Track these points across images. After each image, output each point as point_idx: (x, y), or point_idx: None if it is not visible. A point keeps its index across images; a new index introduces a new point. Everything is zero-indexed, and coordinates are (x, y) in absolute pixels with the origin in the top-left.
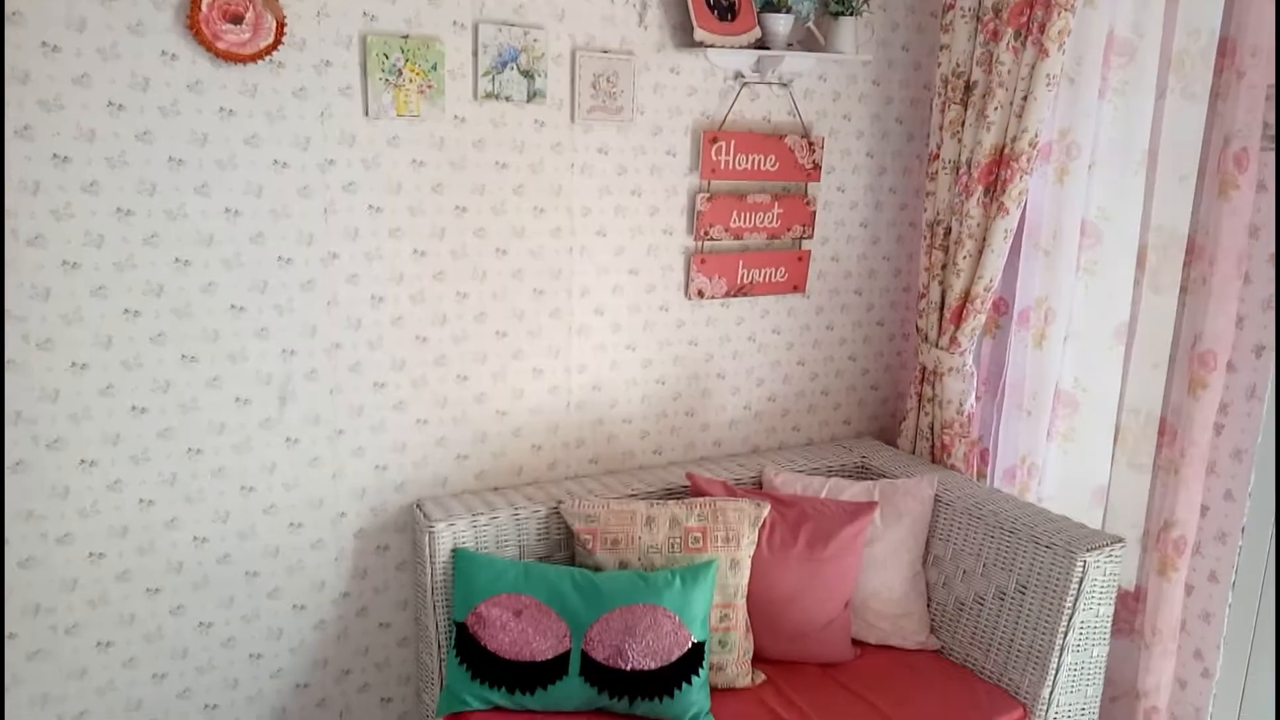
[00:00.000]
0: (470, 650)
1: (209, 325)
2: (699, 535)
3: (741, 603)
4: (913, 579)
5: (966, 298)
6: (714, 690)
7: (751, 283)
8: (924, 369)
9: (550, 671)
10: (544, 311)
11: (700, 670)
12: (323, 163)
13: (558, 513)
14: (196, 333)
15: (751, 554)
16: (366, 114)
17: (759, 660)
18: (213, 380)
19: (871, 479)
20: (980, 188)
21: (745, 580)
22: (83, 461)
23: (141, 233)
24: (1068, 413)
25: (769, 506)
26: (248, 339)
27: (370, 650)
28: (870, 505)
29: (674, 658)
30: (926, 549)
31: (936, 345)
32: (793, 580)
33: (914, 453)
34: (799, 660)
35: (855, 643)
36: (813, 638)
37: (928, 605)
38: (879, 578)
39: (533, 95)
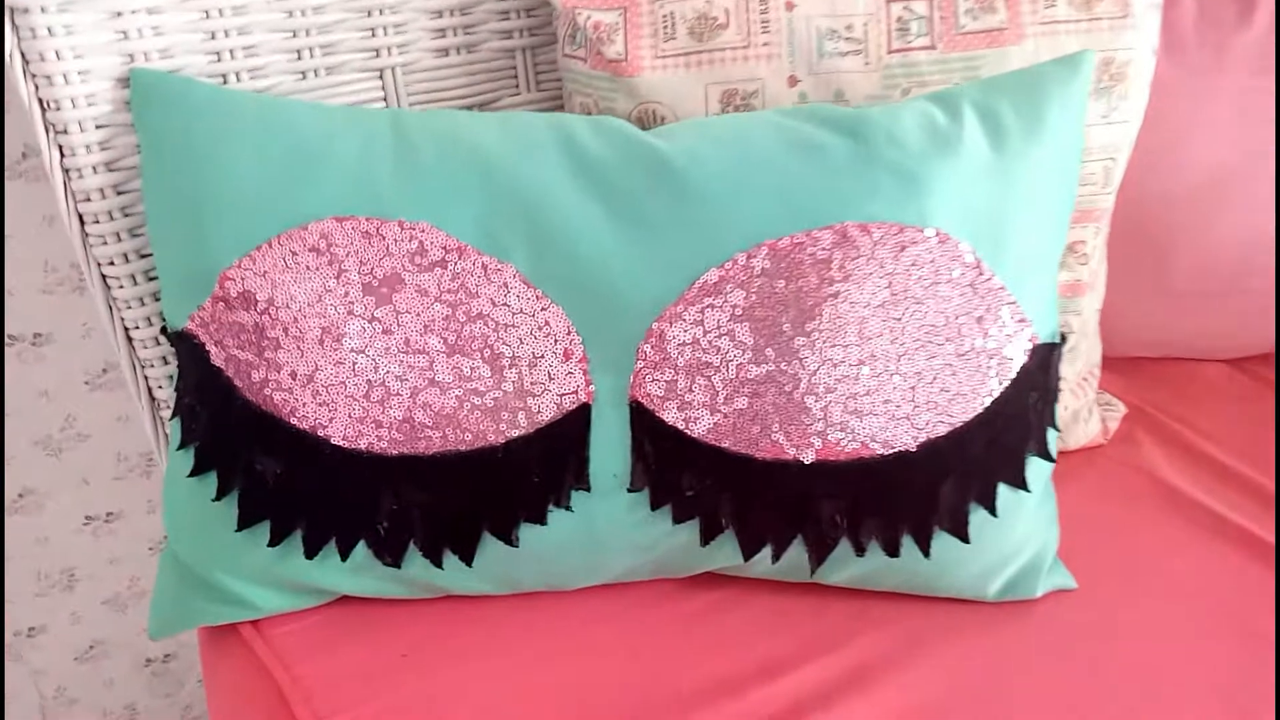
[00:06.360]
0: (214, 423)
1: None
2: None
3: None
4: None
5: None
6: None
7: None
8: None
9: (530, 490)
10: None
11: (1048, 437)
12: None
13: None
14: None
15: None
16: None
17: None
18: None
19: None
20: None
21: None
22: None
23: None
24: None
25: None
26: None
27: None
28: None
29: (977, 409)
30: None
31: None
32: (1226, 129)
33: None
34: (1203, 356)
35: None
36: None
37: None
38: None
39: None
